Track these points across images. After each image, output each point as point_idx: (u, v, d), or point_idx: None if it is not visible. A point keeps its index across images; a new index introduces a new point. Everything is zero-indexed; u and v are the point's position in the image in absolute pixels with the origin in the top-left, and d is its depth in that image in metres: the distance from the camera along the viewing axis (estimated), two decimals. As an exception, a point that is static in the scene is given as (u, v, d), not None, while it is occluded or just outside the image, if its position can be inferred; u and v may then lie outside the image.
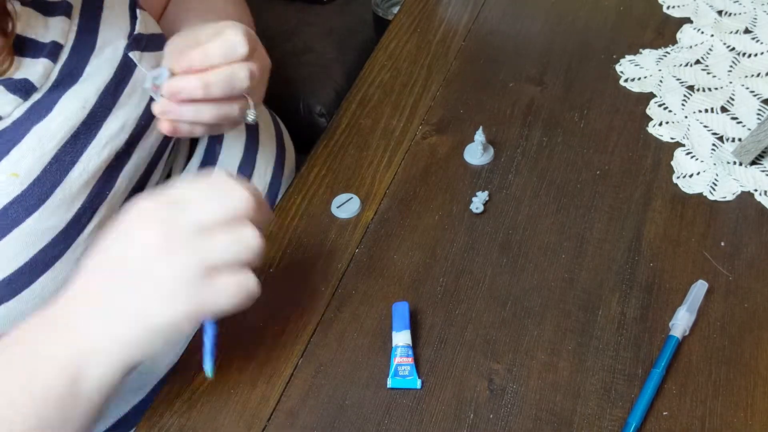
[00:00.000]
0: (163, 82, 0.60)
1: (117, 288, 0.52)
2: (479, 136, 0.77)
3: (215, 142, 0.80)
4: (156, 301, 0.51)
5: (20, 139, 0.58)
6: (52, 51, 0.62)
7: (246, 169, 0.79)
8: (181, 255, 0.50)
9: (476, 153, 0.78)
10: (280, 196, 0.84)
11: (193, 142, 0.78)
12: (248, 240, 0.52)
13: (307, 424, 0.59)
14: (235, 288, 0.51)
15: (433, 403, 0.60)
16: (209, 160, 0.78)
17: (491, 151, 0.78)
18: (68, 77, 0.62)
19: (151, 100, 0.63)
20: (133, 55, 0.66)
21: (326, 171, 0.79)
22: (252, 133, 0.83)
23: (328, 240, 0.72)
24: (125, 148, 0.65)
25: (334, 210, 0.74)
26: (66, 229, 0.60)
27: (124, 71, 0.65)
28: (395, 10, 1.15)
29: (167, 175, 0.76)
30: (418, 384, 0.61)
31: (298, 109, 1.20)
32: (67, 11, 0.64)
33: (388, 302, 0.66)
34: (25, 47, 0.60)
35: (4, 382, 0.52)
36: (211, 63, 0.59)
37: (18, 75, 0.59)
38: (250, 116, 0.64)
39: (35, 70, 0.60)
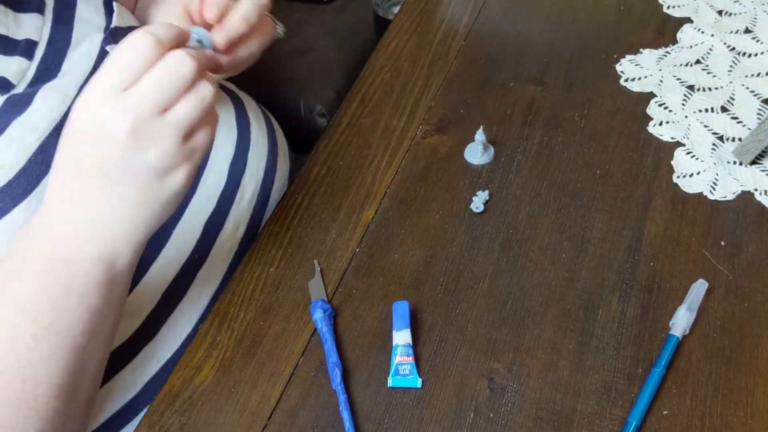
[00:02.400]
0: (207, 42, 0.61)
1: (112, 184, 0.54)
2: (479, 136, 0.77)
3: None
4: (153, 184, 0.54)
5: (1, 131, 0.58)
6: (26, 48, 0.62)
7: (238, 166, 0.79)
8: (156, 139, 0.53)
9: (477, 152, 0.78)
10: (274, 193, 0.84)
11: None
12: (203, 96, 0.54)
13: (307, 424, 0.60)
14: (207, 133, 0.56)
15: (433, 402, 0.60)
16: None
17: (491, 150, 0.79)
18: (46, 73, 0.62)
19: None
20: (111, 49, 0.66)
21: (326, 170, 0.79)
22: (243, 130, 0.83)
23: (329, 239, 0.72)
24: None
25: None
26: None
27: None
28: (396, 9, 1.15)
29: None
30: (419, 383, 0.61)
31: (298, 109, 1.20)
32: (39, 8, 0.64)
33: (388, 302, 0.66)
34: None
35: (44, 297, 0.54)
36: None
37: None
38: (280, 29, 0.70)
39: (9, 67, 0.60)
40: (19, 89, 0.60)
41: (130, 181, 0.53)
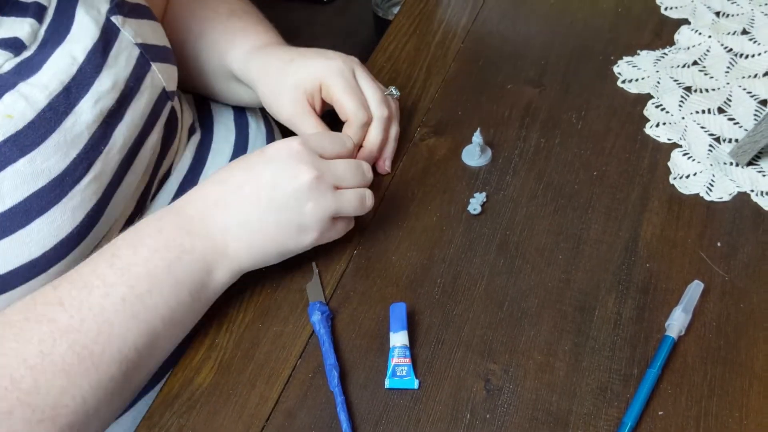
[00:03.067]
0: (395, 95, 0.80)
1: (263, 209, 0.62)
2: (477, 138, 0.77)
3: (205, 139, 0.81)
4: (295, 232, 0.64)
5: (12, 87, 0.59)
6: (36, 11, 0.63)
7: None
8: (322, 199, 0.63)
9: (474, 154, 0.78)
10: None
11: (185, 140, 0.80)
12: (366, 197, 0.68)
13: (305, 425, 0.60)
14: (345, 228, 0.70)
15: (429, 404, 0.61)
16: (199, 157, 0.78)
17: (489, 152, 0.79)
18: (55, 35, 0.64)
19: (139, 63, 0.70)
20: (116, 20, 0.68)
21: (325, 172, 0.79)
22: (242, 130, 0.84)
23: (327, 241, 0.73)
24: (116, 107, 0.66)
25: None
26: (61, 176, 0.61)
27: (109, 34, 0.67)
28: (395, 10, 1.16)
29: (167, 170, 0.77)
30: (416, 384, 0.61)
31: (298, 111, 1.20)
32: None
33: (386, 303, 0.66)
34: (9, 8, 0.62)
35: (147, 269, 0.59)
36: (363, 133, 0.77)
37: (6, 34, 0.61)
38: (394, 95, 0.81)
39: (22, 28, 0.62)
40: (30, 51, 0.62)
41: (276, 216, 0.63)
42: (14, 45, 0.61)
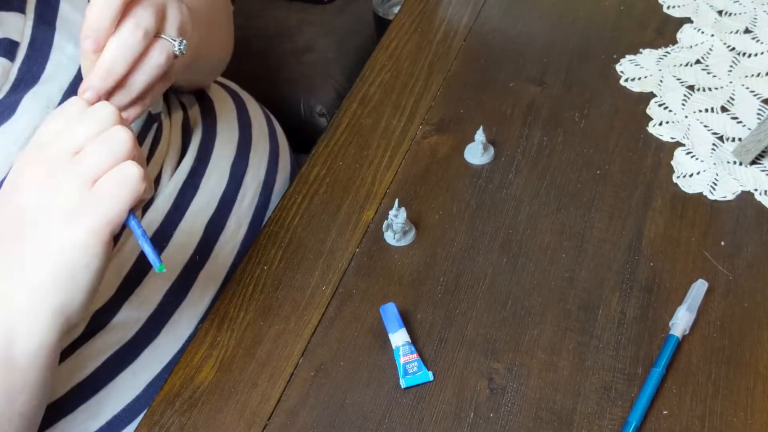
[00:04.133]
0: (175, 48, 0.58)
1: (18, 242, 0.51)
2: (479, 136, 0.77)
3: (207, 140, 0.80)
4: (56, 234, 0.50)
5: None
6: (7, 49, 0.60)
7: (239, 166, 0.79)
8: (62, 180, 0.50)
9: (476, 153, 0.78)
10: (275, 193, 0.84)
11: (185, 141, 0.78)
12: (115, 137, 0.51)
13: (307, 424, 0.60)
14: (120, 182, 0.50)
15: (433, 402, 0.60)
16: (201, 158, 0.78)
17: (491, 150, 0.79)
18: (29, 76, 0.60)
19: None
20: None
21: (327, 171, 0.79)
22: (245, 130, 0.83)
23: (329, 239, 0.72)
24: None
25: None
26: None
27: None
28: (396, 10, 1.16)
29: (158, 174, 0.75)
30: (430, 376, 0.61)
31: (298, 109, 1.20)
32: (20, 7, 0.62)
33: (388, 301, 0.66)
34: None
35: None
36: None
37: None
38: (175, 48, 0.58)
39: None
40: (1, 94, 0.59)
41: (32, 234, 0.51)
42: None
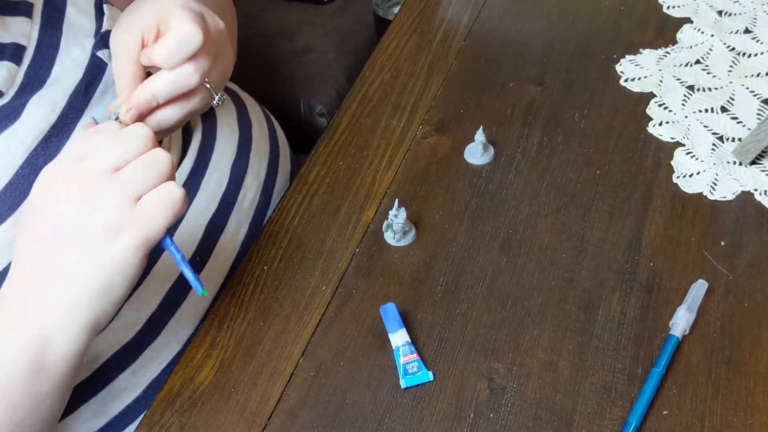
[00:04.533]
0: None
1: (55, 253, 0.52)
2: (479, 136, 0.77)
3: (208, 141, 0.80)
4: (96, 249, 0.52)
5: None
6: (14, 53, 0.60)
7: (240, 167, 0.79)
8: (102, 197, 0.51)
9: (476, 153, 0.78)
10: (275, 193, 0.84)
11: (186, 141, 0.78)
12: (157, 159, 0.53)
13: (307, 423, 0.60)
14: (163, 201, 0.53)
15: (433, 403, 0.60)
16: (202, 159, 0.78)
17: (491, 151, 0.79)
18: (35, 80, 0.61)
19: None
20: (102, 54, 0.65)
21: (327, 171, 0.79)
22: (245, 131, 0.83)
23: (329, 239, 0.72)
24: None
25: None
26: None
27: (95, 71, 0.64)
28: (396, 10, 1.16)
29: None
30: (430, 376, 0.61)
31: (298, 109, 1.20)
32: (27, 11, 0.62)
33: (388, 301, 0.66)
34: None
35: None
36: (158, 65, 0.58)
37: None
38: (215, 100, 0.62)
39: None
40: (8, 98, 0.59)
41: (73, 248, 0.52)
42: None
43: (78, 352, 0.54)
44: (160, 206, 0.52)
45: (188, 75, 0.57)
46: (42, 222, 0.53)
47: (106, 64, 0.65)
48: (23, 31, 0.62)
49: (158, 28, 0.58)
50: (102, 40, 0.66)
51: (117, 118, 0.58)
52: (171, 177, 0.54)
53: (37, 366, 0.53)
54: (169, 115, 0.59)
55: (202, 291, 0.56)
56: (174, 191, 0.53)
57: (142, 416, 0.68)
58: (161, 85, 0.57)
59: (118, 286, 0.53)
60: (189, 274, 0.56)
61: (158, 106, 0.58)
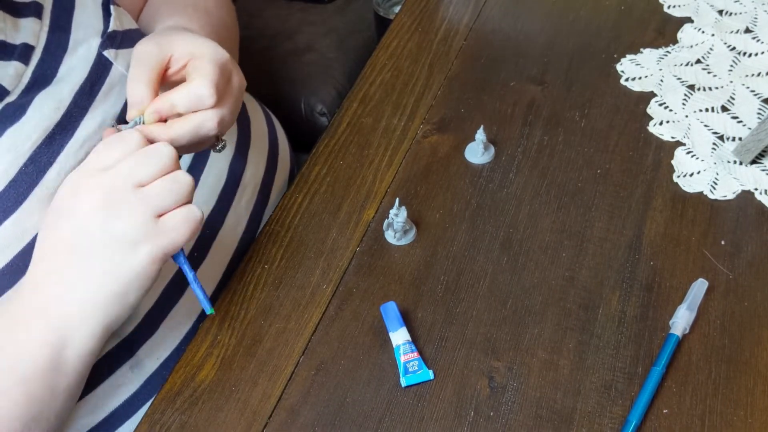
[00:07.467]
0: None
1: (79, 257, 0.55)
2: (480, 135, 0.77)
3: None
4: (118, 257, 0.55)
5: None
6: (23, 53, 0.61)
7: (238, 165, 0.79)
8: (125, 209, 0.55)
9: (477, 152, 0.78)
10: (274, 191, 0.84)
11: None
12: (180, 180, 0.57)
13: (308, 422, 0.60)
14: (184, 221, 0.56)
15: (433, 401, 0.60)
16: (200, 158, 0.78)
17: (492, 150, 0.79)
18: (41, 78, 0.61)
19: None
20: (108, 54, 0.66)
21: (327, 170, 0.79)
22: (243, 129, 0.83)
23: (330, 238, 0.72)
24: None
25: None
26: None
27: (100, 70, 0.65)
28: (396, 9, 1.16)
29: None
30: (431, 375, 0.61)
31: (299, 109, 1.20)
32: (37, 12, 0.63)
33: (389, 300, 0.66)
34: None
35: None
36: (178, 112, 0.61)
37: None
38: (218, 147, 0.66)
39: (6, 73, 0.59)
40: (14, 96, 0.60)
41: (96, 254, 0.55)
42: None
43: (93, 351, 0.57)
44: (181, 224, 0.56)
45: (209, 125, 0.62)
46: (66, 227, 0.55)
47: (111, 64, 0.66)
48: (33, 31, 0.62)
49: (186, 66, 0.63)
50: (109, 39, 0.66)
51: (136, 123, 0.61)
52: (191, 199, 0.57)
53: (56, 363, 0.55)
54: (177, 128, 0.62)
55: (210, 310, 0.61)
56: (195, 213, 0.57)
57: (139, 411, 0.68)
58: (181, 96, 0.61)
59: (134, 293, 0.56)
60: (200, 294, 0.60)
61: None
